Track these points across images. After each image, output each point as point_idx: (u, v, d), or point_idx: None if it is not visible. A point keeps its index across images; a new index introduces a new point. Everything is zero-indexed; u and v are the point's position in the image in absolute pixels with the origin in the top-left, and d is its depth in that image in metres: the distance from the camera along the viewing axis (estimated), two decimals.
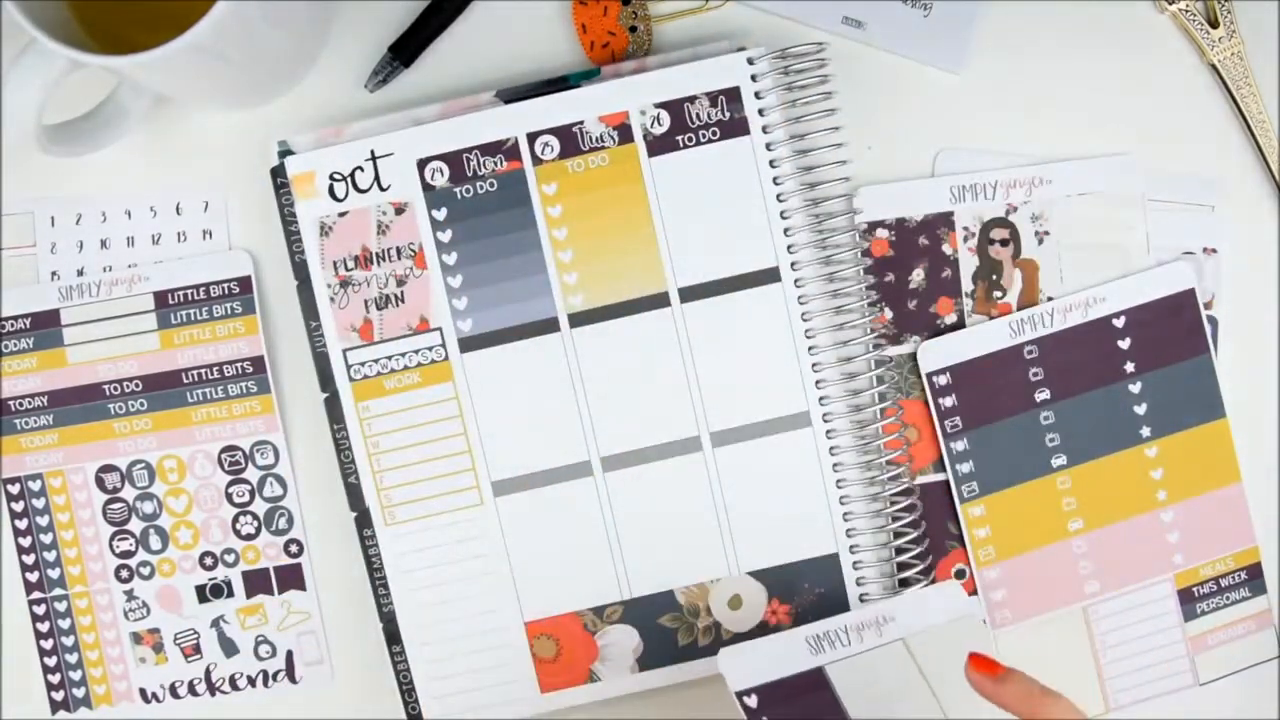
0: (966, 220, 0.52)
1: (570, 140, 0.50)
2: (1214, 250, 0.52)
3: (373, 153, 0.51)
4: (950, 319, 0.52)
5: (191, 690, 0.53)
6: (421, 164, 0.51)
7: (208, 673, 0.53)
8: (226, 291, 0.53)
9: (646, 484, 0.51)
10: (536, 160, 0.51)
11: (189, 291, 0.52)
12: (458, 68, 0.53)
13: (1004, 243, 0.52)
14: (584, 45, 0.52)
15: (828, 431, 0.50)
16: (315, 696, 0.53)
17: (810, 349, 0.50)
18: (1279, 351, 0.52)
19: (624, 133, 0.51)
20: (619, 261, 0.51)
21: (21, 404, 0.53)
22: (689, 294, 0.51)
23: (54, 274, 0.53)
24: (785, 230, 0.50)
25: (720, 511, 0.51)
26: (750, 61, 0.50)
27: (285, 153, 0.51)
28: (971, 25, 0.52)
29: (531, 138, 0.51)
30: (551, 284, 0.51)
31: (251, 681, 0.53)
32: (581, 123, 0.51)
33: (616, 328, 0.51)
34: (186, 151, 0.53)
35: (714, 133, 0.50)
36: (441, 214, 0.51)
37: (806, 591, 0.51)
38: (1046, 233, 0.52)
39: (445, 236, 0.51)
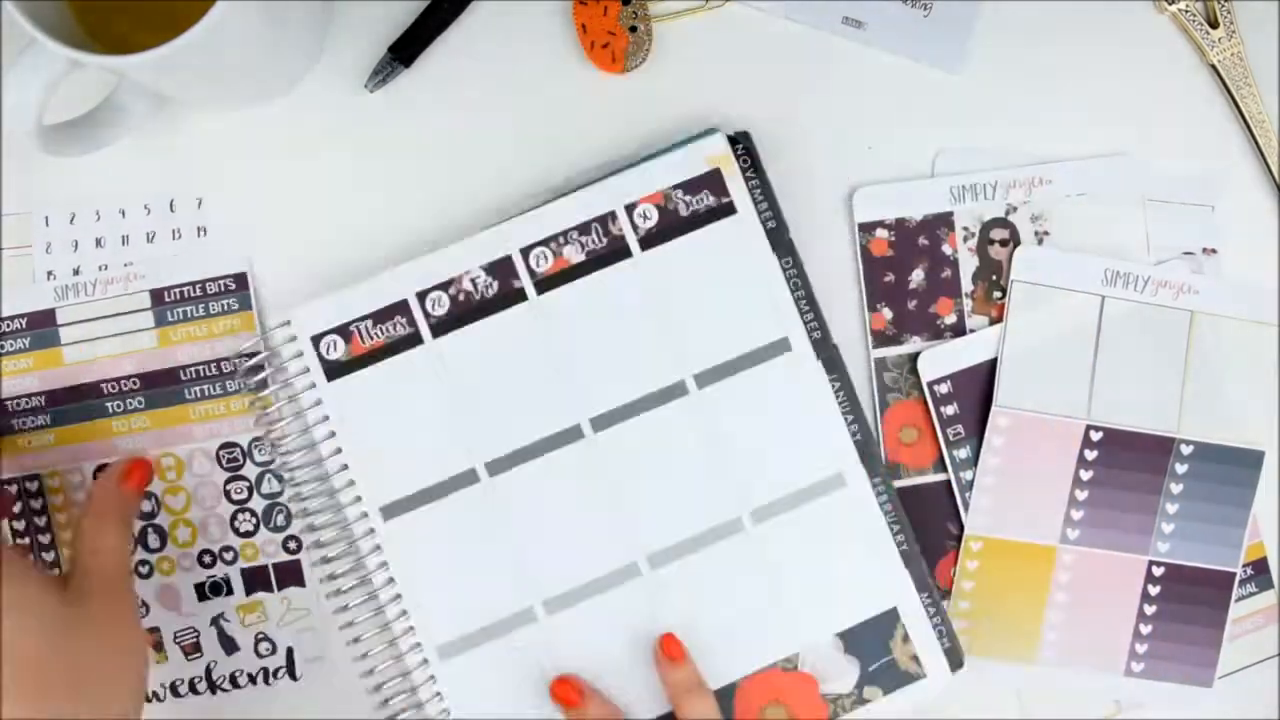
0: (966, 220, 0.52)
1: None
2: (1214, 250, 0.52)
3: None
4: (950, 319, 0.52)
5: (192, 689, 0.53)
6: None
7: (208, 671, 0.53)
8: (223, 288, 0.52)
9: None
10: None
11: (185, 289, 0.52)
12: (458, 68, 0.53)
13: (1004, 243, 0.52)
14: (584, 45, 0.52)
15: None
16: (316, 693, 0.53)
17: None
18: (1278, 352, 0.52)
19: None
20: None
21: (19, 404, 0.53)
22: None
23: (50, 273, 0.53)
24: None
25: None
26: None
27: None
28: (971, 25, 0.52)
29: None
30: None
31: (252, 679, 0.53)
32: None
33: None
34: (185, 151, 0.53)
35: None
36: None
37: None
38: (1046, 233, 0.52)
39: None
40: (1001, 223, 0.52)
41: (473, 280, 0.50)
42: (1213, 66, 0.52)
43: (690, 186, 0.50)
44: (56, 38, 0.42)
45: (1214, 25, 0.52)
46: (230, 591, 0.53)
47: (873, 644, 0.50)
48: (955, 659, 0.50)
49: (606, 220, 0.50)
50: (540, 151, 0.53)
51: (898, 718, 0.50)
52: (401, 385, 0.50)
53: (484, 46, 0.53)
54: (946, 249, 0.52)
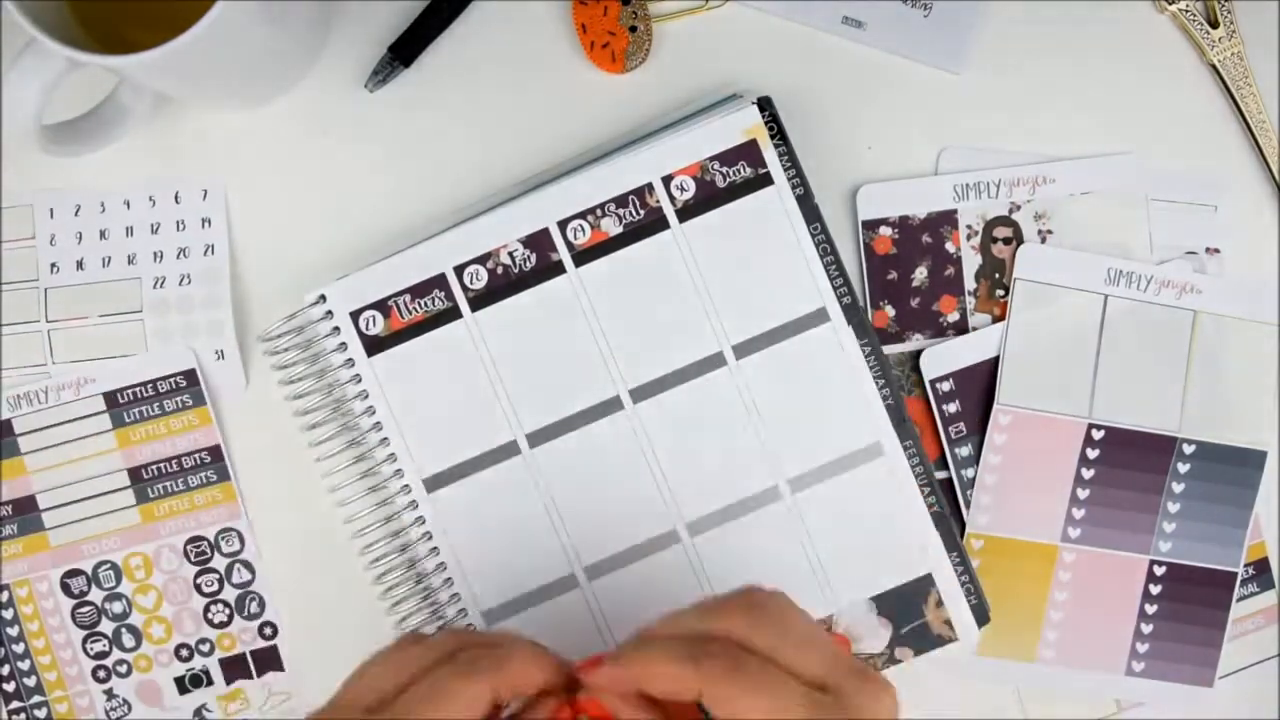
0: (970, 218, 0.52)
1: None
2: (1217, 250, 0.52)
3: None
4: (953, 317, 0.52)
5: None
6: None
7: None
8: (174, 386, 0.52)
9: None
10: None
11: (138, 389, 0.52)
12: (458, 68, 0.53)
13: (1007, 241, 0.52)
14: (584, 45, 0.52)
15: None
16: None
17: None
18: (1279, 352, 0.52)
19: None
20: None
21: None
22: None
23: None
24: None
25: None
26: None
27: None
28: (971, 25, 0.52)
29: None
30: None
31: None
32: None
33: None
34: (186, 151, 0.53)
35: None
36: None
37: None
38: (1050, 231, 0.52)
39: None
40: (1005, 221, 0.52)
41: (510, 253, 0.50)
42: (1213, 66, 0.52)
43: (727, 158, 0.50)
44: (56, 38, 0.42)
45: (1214, 25, 0.52)
46: (210, 682, 0.52)
47: (906, 608, 0.50)
48: (981, 614, 0.50)
49: (644, 192, 0.50)
50: (540, 152, 0.53)
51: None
52: (441, 359, 0.50)
53: (484, 46, 0.53)
54: (950, 247, 0.52)
